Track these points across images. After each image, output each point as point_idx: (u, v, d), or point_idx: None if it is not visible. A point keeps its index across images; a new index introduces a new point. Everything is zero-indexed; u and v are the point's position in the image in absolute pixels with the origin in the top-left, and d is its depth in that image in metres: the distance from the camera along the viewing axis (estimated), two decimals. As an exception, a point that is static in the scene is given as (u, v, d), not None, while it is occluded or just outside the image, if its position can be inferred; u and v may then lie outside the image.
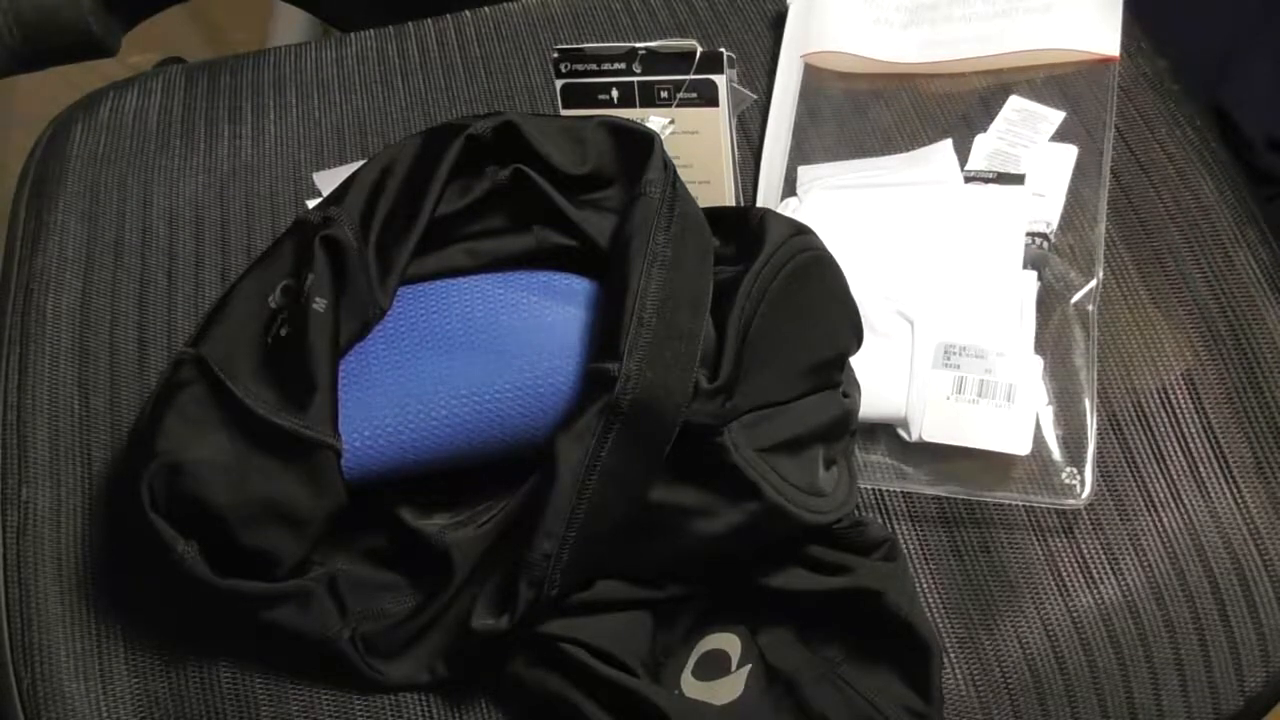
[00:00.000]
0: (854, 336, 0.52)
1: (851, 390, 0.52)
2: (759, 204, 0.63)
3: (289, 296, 0.50)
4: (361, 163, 0.59)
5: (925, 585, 0.55)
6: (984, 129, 0.64)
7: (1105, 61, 0.65)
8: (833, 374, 0.51)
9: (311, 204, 0.59)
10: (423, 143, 0.53)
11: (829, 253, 0.51)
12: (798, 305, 0.49)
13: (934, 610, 0.54)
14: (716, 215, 0.52)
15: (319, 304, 0.49)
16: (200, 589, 0.48)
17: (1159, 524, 0.55)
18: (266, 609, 0.50)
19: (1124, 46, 0.65)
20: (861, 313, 0.55)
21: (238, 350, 0.50)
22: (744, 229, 0.50)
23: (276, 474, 0.48)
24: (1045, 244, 0.60)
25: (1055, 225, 0.61)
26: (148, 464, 0.48)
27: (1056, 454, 0.56)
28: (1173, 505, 0.56)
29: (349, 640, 0.51)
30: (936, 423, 0.56)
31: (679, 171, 0.52)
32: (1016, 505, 0.56)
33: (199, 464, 0.48)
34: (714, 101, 0.60)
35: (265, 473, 0.48)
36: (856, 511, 0.55)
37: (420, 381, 0.50)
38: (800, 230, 0.50)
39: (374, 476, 0.50)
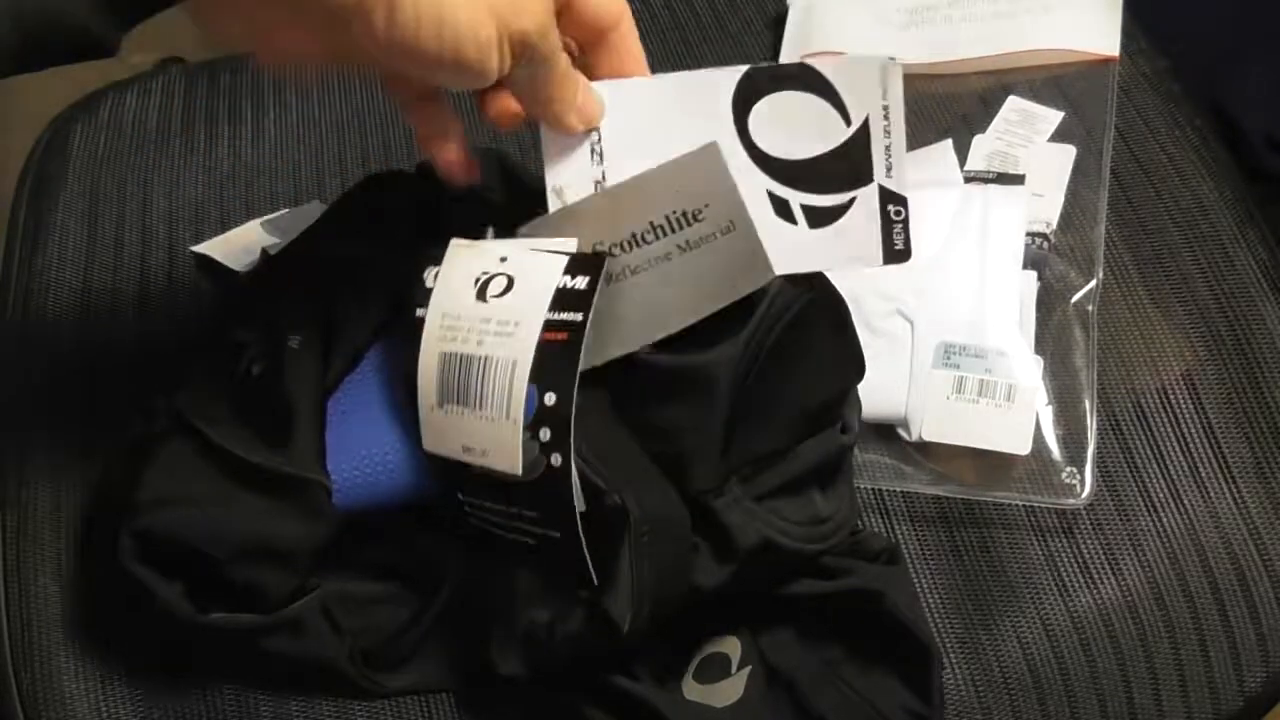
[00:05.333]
0: (855, 373, 0.51)
1: (851, 417, 0.51)
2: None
3: (257, 333, 0.50)
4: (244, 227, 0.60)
5: (925, 585, 0.55)
6: (983, 129, 0.64)
7: (1105, 61, 0.65)
8: (832, 413, 0.50)
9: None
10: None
11: (830, 287, 0.48)
12: (797, 354, 0.47)
13: (934, 610, 0.54)
14: None
15: (294, 340, 0.48)
16: (189, 627, 0.48)
17: (1159, 524, 0.55)
18: (259, 640, 0.50)
19: (1124, 46, 0.65)
20: (861, 312, 0.55)
21: (210, 394, 0.49)
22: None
23: (264, 513, 0.47)
24: (1045, 244, 0.60)
25: (1055, 225, 0.61)
26: (129, 517, 0.47)
27: (1056, 454, 0.56)
28: (1173, 505, 0.56)
29: (348, 659, 0.51)
30: (936, 422, 0.56)
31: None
32: (1016, 505, 0.56)
33: (183, 512, 0.47)
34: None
35: (252, 512, 0.47)
36: (859, 524, 0.55)
37: (415, 415, 0.49)
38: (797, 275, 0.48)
39: (372, 506, 0.49)
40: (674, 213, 0.45)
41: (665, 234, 0.45)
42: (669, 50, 0.69)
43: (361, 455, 0.49)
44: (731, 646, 0.52)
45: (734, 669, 0.51)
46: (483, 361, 0.43)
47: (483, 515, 0.46)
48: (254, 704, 0.53)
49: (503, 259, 0.45)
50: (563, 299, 0.43)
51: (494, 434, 0.43)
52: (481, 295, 0.44)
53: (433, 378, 0.44)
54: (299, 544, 0.48)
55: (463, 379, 0.43)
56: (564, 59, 0.43)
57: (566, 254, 0.44)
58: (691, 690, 0.51)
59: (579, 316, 0.42)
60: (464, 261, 0.45)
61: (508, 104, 0.45)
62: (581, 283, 0.43)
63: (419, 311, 0.45)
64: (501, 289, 0.44)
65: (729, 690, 0.51)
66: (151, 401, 0.51)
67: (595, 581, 0.44)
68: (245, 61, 0.72)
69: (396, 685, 0.52)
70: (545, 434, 0.42)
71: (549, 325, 0.43)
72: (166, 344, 0.61)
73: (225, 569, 0.48)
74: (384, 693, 0.52)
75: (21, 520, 0.57)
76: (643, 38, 0.46)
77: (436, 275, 0.46)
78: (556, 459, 0.42)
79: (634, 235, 0.45)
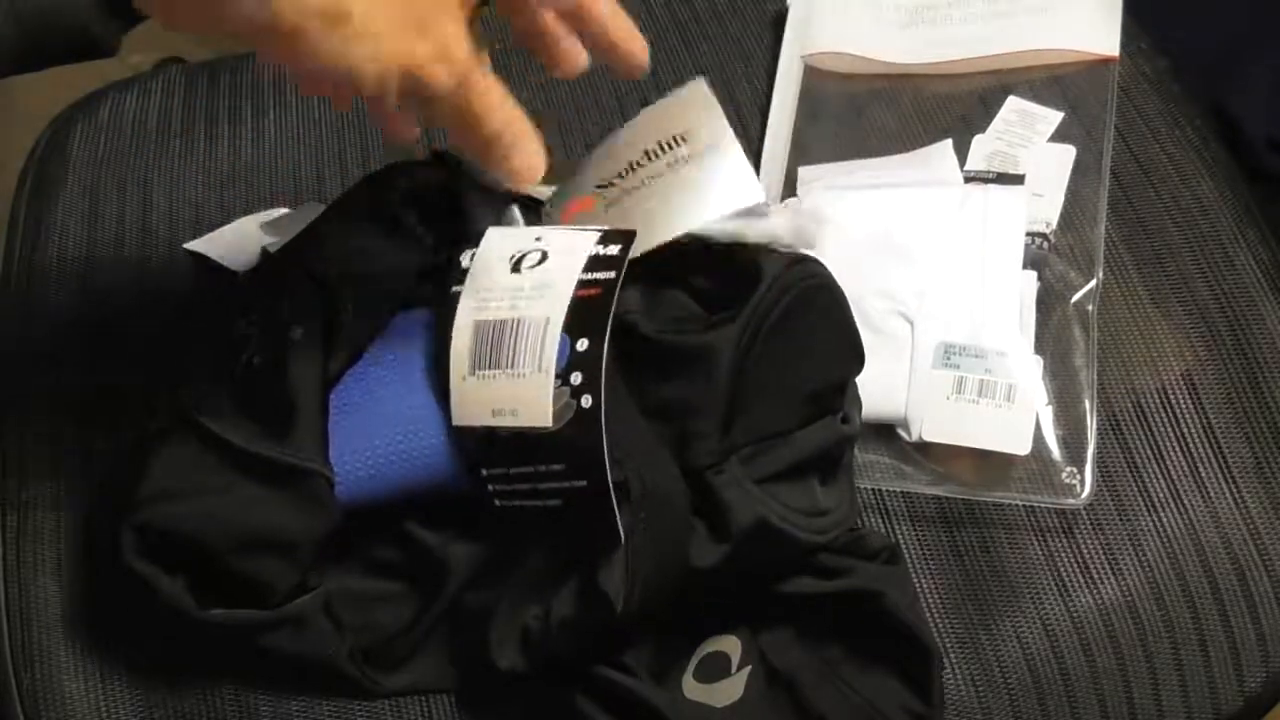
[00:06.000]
0: (855, 362, 0.52)
1: (852, 412, 0.52)
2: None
3: (258, 326, 0.50)
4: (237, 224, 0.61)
5: (925, 585, 0.55)
6: (983, 129, 0.64)
7: (1105, 61, 0.65)
8: (833, 400, 0.51)
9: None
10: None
11: (830, 278, 0.50)
12: (797, 335, 0.48)
13: (934, 610, 0.54)
14: (701, 251, 0.50)
15: (295, 332, 0.49)
16: (191, 623, 0.48)
17: (1159, 524, 0.55)
18: (260, 636, 0.50)
19: (1124, 46, 0.65)
20: (861, 312, 0.55)
21: (212, 388, 0.49)
22: (734, 269, 0.49)
23: (266, 504, 0.47)
24: (1045, 244, 0.60)
25: (1055, 225, 0.61)
26: (131, 512, 0.48)
27: (1056, 454, 0.56)
28: (1173, 505, 0.56)
29: (348, 657, 0.51)
30: (936, 422, 0.56)
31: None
32: (1016, 505, 0.56)
33: (183, 504, 0.47)
34: None
35: (254, 504, 0.47)
36: (859, 523, 0.55)
37: (421, 405, 0.49)
38: (797, 260, 0.49)
39: (375, 500, 0.49)
40: (664, 139, 0.50)
41: (657, 156, 0.50)
42: (668, 49, 0.69)
43: (363, 447, 0.49)
44: (731, 646, 0.52)
45: (734, 669, 0.51)
46: (515, 323, 0.45)
47: (507, 488, 0.46)
48: (254, 704, 0.53)
49: (538, 238, 0.47)
50: (595, 263, 0.46)
51: (524, 389, 0.45)
52: (516, 268, 0.46)
53: (466, 348, 0.46)
54: (301, 536, 0.48)
55: (495, 342, 0.45)
56: (495, 116, 0.43)
57: (599, 230, 0.47)
58: (691, 690, 0.51)
59: (612, 275, 0.45)
60: (500, 242, 0.48)
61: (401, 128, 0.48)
62: (614, 249, 0.46)
63: (454, 289, 0.47)
64: (536, 261, 0.46)
65: (729, 690, 0.51)
66: (153, 399, 0.51)
67: (623, 537, 0.45)
68: (245, 61, 0.72)
69: (396, 685, 0.52)
70: (576, 378, 0.44)
71: (582, 284, 0.45)
72: (167, 344, 0.61)
73: (227, 562, 0.48)
74: (384, 692, 0.52)
75: (21, 520, 0.57)
76: (643, 35, 0.47)
77: (473, 256, 0.48)
78: (587, 400, 0.44)
79: (630, 163, 0.50)
